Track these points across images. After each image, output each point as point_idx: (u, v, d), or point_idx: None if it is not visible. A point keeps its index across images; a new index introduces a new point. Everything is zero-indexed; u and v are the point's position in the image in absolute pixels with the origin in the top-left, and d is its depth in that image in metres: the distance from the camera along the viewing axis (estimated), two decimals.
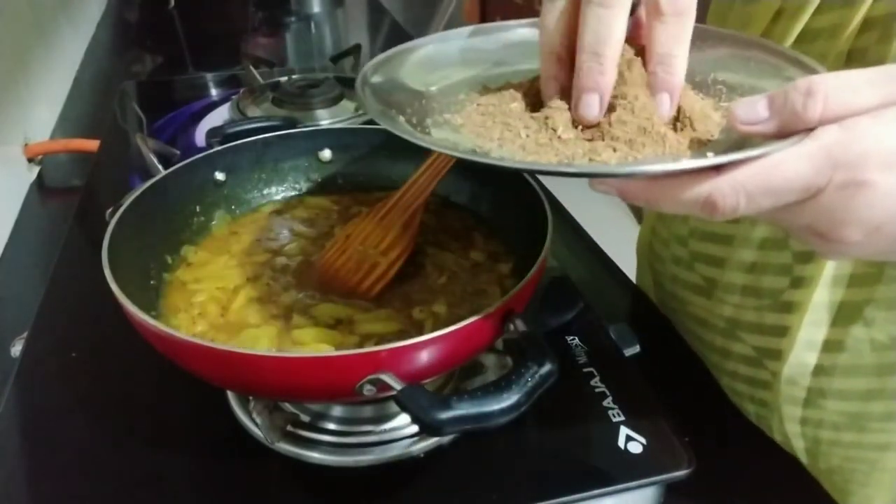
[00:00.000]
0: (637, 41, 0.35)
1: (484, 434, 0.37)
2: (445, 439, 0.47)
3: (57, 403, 0.53)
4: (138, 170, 0.81)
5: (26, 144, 0.97)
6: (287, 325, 0.48)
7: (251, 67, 1.10)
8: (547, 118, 0.34)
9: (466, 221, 0.59)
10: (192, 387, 0.44)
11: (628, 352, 0.56)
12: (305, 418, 0.49)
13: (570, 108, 0.34)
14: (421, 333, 0.38)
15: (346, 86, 1.04)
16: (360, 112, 0.98)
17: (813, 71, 0.36)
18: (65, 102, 1.21)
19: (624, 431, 0.47)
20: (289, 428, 0.47)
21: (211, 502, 0.46)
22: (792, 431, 0.53)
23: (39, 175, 0.98)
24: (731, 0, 0.53)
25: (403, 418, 0.48)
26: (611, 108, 0.34)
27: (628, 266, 0.70)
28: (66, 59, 1.32)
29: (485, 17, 3.22)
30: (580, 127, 0.34)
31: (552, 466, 0.47)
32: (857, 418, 0.51)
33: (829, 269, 0.47)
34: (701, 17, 0.35)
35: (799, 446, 0.54)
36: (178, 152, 0.84)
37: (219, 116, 1.01)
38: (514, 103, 0.36)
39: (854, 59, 0.43)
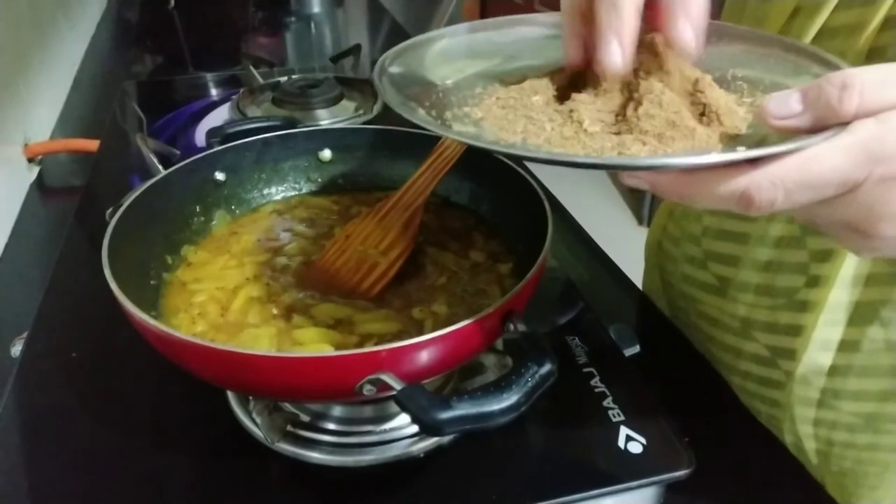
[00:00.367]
0: (655, 27, 0.35)
1: (484, 434, 0.37)
2: (445, 439, 0.47)
3: (57, 403, 0.53)
4: (138, 170, 0.81)
5: (26, 144, 0.97)
6: (287, 325, 0.48)
7: (251, 67, 1.10)
8: (572, 111, 0.34)
9: (466, 221, 0.59)
10: (192, 387, 0.44)
11: (628, 352, 0.56)
12: (305, 418, 0.49)
13: (594, 101, 0.34)
14: (421, 333, 0.38)
15: (346, 86, 1.04)
16: (361, 112, 0.98)
17: (835, 67, 0.35)
18: (65, 102, 1.21)
19: (624, 431, 0.47)
20: (289, 428, 0.47)
21: (211, 502, 0.46)
22: (804, 433, 0.53)
23: (39, 175, 0.98)
24: None
25: (403, 418, 0.47)
26: (637, 103, 0.33)
27: (628, 266, 0.70)
28: (66, 59, 1.32)
29: (485, 16, 3.21)
30: (607, 120, 0.34)
31: (552, 466, 0.47)
32: (872, 420, 0.50)
33: (847, 269, 0.47)
34: (716, 13, 0.35)
35: (810, 447, 0.53)
36: (178, 152, 0.84)
37: (219, 116, 1.01)
38: (536, 96, 0.36)
39: (873, 57, 0.43)
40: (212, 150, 0.59)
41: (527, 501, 0.44)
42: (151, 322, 0.39)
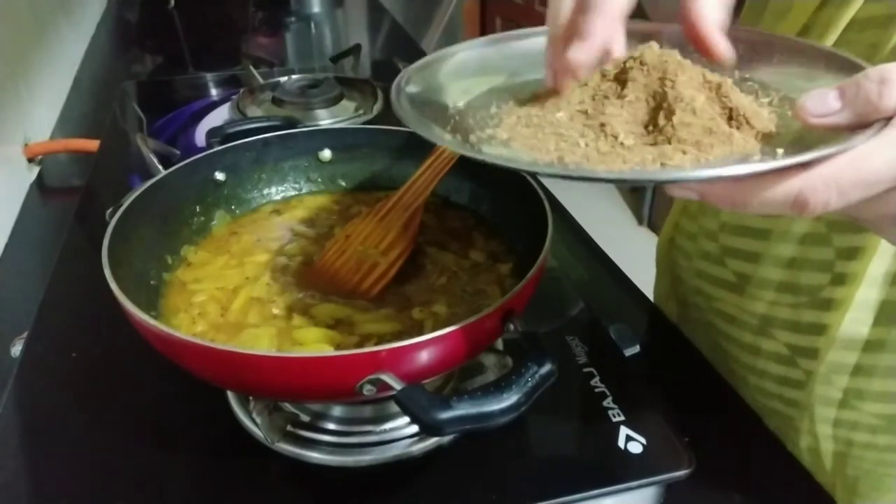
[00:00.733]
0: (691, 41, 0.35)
1: (484, 434, 0.37)
2: (445, 439, 0.47)
3: (57, 403, 0.53)
4: (138, 170, 0.81)
5: (26, 144, 0.97)
6: (287, 325, 0.48)
7: (251, 67, 1.10)
8: (603, 125, 0.33)
9: (466, 221, 0.59)
10: (192, 387, 0.44)
11: (628, 352, 0.56)
12: (305, 418, 0.49)
13: (622, 113, 0.34)
14: (421, 333, 0.38)
15: (346, 86, 1.05)
16: (361, 112, 0.99)
17: (848, 62, 0.35)
18: (65, 102, 1.21)
19: (624, 431, 0.47)
20: (289, 428, 0.47)
21: (211, 502, 0.46)
22: (823, 433, 0.52)
23: (39, 175, 0.98)
24: None
25: (403, 418, 0.47)
26: (669, 111, 0.33)
27: (628, 266, 0.70)
28: (66, 59, 1.32)
29: (485, 17, 3.22)
30: (637, 131, 0.33)
31: (552, 466, 0.47)
32: (895, 421, 0.49)
33: (875, 266, 0.46)
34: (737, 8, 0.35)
35: (827, 449, 0.53)
36: (178, 152, 0.84)
37: (219, 116, 1.01)
38: (559, 113, 0.35)
39: None
40: (212, 150, 0.59)
41: (527, 501, 0.44)
42: (151, 322, 0.39)
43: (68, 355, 0.57)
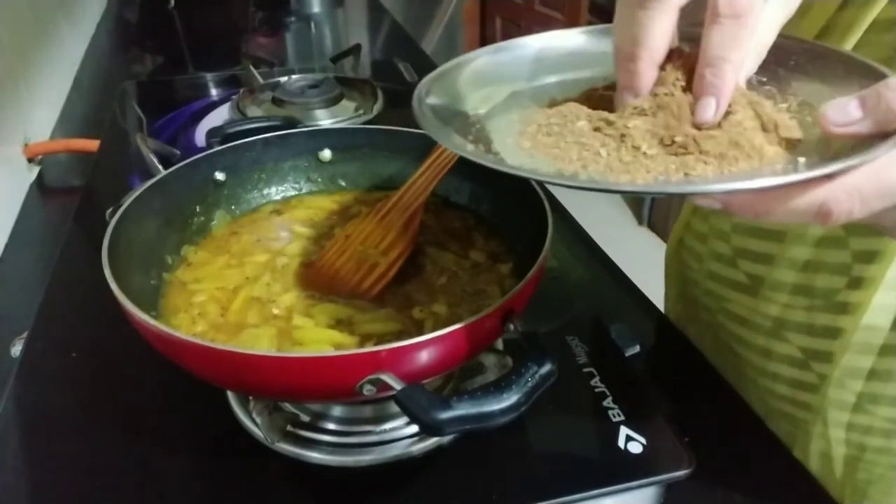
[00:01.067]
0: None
1: (484, 434, 0.37)
2: (445, 439, 0.47)
3: (57, 403, 0.53)
4: (138, 170, 0.81)
5: (26, 144, 0.97)
6: (287, 325, 0.48)
7: (251, 67, 1.10)
8: (624, 136, 0.33)
9: (466, 221, 0.59)
10: (192, 387, 0.44)
11: (628, 352, 0.56)
12: (305, 418, 0.49)
13: (642, 122, 0.34)
14: (421, 333, 0.38)
15: (346, 86, 1.05)
16: (361, 112, 0.99)
17: (867, 67, 0.35)
18: (65, 102, 1.21)
19: (624, 431, 0.47)
20: (289, 428, 0.47)
21: (211, 502, 0.46)
22: (835, 437, 0.52)
23: (39, 175, 0.98)
24: None
25: (403, 418, 0.48)
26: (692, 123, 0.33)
27: (628, 266, 0.70)
28: (66, 59, 1.32)
29: (484, 17, 3.22)
30: (664, 142, 0.33)
31: (552, 466, 0.47)
32: None
33: (893, 270, 0.46)
34: None
35: (839, 453, 0.52)
36: (178, 152, 0.84)
37: (219, 116, 1.01)
38: (580, 122, 0.35)
39: None
40: (212, 150, 0.59)
41: (527, 501, 0.44)
42: (151, 322, 0.39)
43: (68, 355, 0.57)
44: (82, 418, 0.51)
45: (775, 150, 0.32)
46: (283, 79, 1.05)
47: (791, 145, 0.33)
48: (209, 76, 1.21)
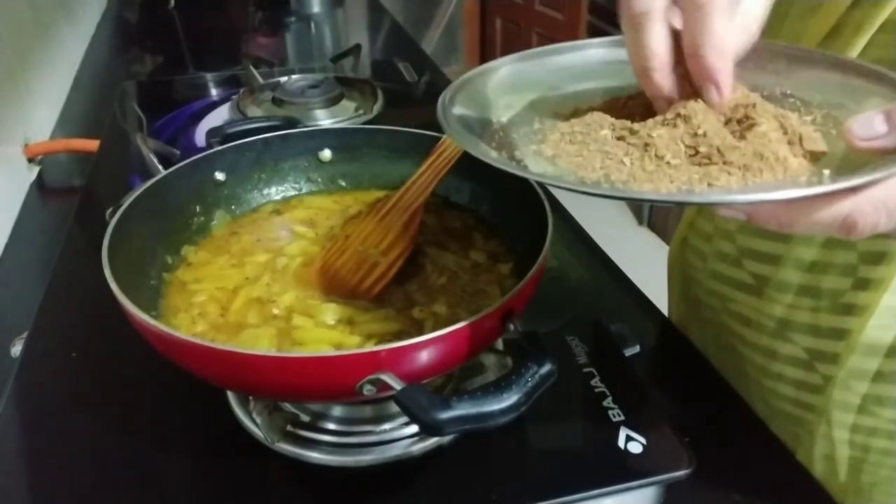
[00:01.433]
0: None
1: (484, 434, 0.37)
2: (445, 439, 0.47)
3: (57, 403, 0.53)
4: (138, 170, 0.81)
5: (26, 144, 0.97)
6: (287, 325, 0.48)
7: (251, 67, 1.10)
8: (647, 145, 0.34)
9: (466, 221, 0.59)
10: (192, 387, 0.44)
11: (628, 352, 0.56)
12: (305, 418, 0.49)
13: (666, 133, 0.34)
14: (421, 333, 0.38)
15: (346, 86, 1.05)
16: (361, 112, 0.99)
17: (884, 78, 0.35)
18: (65, 102, 1.21)
19: (624, 431, 0.47)
20: (289, 428, 0.47)
21: (211, 502, 0.46)
22: (840, 438, 0.52)
23: (39, 175, 0.98)
24: None
25: (403, 418, 0.48)
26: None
27: (628, 266, 0.70)
28: (66, 59, 1.32)
29: (485, 17, 3.22)
30: (680, 151, 0.33)
31: (552, 466, 0.47)
32: None
33: None
34: None
35: (843, 455, 0.52)
36: (178, 152, 0.84)
37: (219, 116, 1.01)
38: (604, 130, 0.36)
39: None
40: (212, 150, 0.59)
41: (527, 501, 0.44)
42: (151, 322, 0.39)
43: (68, 355, 0.57)
44: (82, 418, 0.51)
45: (799, 162, 0.32)
46: (283, 79, 1.05)
47: (815, 158, 0.33)
48: (209, 76, 1.21)
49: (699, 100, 0.34)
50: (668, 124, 0.34)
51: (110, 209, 0.50)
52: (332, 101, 1.00)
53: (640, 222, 2.33)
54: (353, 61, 1.18)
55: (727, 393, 0.56)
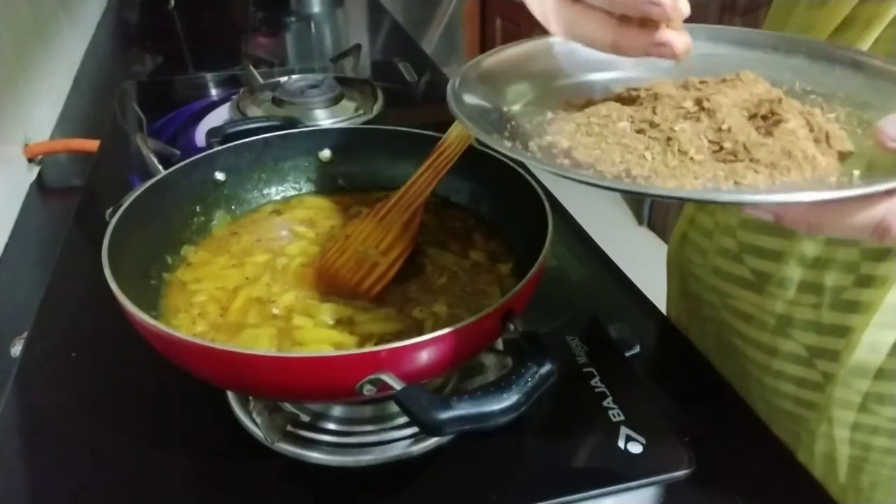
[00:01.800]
0: None
1: (484, 434, 0.37)
2: (445, 439, 0.47)
3: (57, 403, 0.53)
4: (138, 170, 0.81)
5: (26, 144, 0.97)
6: (287, 325, 0.48)
7: (251, 67, 1.10)
8: (670, 139, 0.32)
9: (466, 221, 0.59)
10: (192, 387, 0.44)
11: (628, 352, 0.56)
12: (305, 418, 0.49)
13: (688, 126, 0.33)
14: (421, 333, 0.38)
15: (346, 86, 1.04)
16: (361, 112, 0.99)
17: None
18: (65, 102, 1.21)
19: (624, 431, 0.47)
20: (289, 428, 0.47)
21: (211, 502, 0.46)
22: (840, 437, 0.51)
23: (39, 175, 0.98)
24: None
25: (403, 418, 0.47)
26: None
27: (628, 266, 0.70)
28: (66, 59, 1.32)
29: (485, 16, 3.22)
30: (703, 145, 0.32)
31: (552, 466, 0.47)
32: None
33: None
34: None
35: (844, 453, 0.52)
36: (178, 152, 0.84)
37: (219, 116, 1.01)
38: (622, 122, 0.34)
39: None
40: (212, 150, 0.59)
41: (527, 501, 0.44)
42: (151, 322, 0.39)
43: (68, 355, 0.57)
44: (82, 418, 0.51)
45: (828, 161, 0.31)
46: (283, 79, 1.05)
47: (843, 157, 0.32)
48: (209, 76, 1.21)
49: (724, 92, 0.33)
50: (690, 118, 0.33)
51: (110, 209, 0.50)
52: (332, 101, 1.00)
53: (640, 222, 2.33)
54: (353, 61, 1.18)
55: (727, 393, 0.56)
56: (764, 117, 0.33)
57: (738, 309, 0.58)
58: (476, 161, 0.53)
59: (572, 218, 0.78)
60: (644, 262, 0.80)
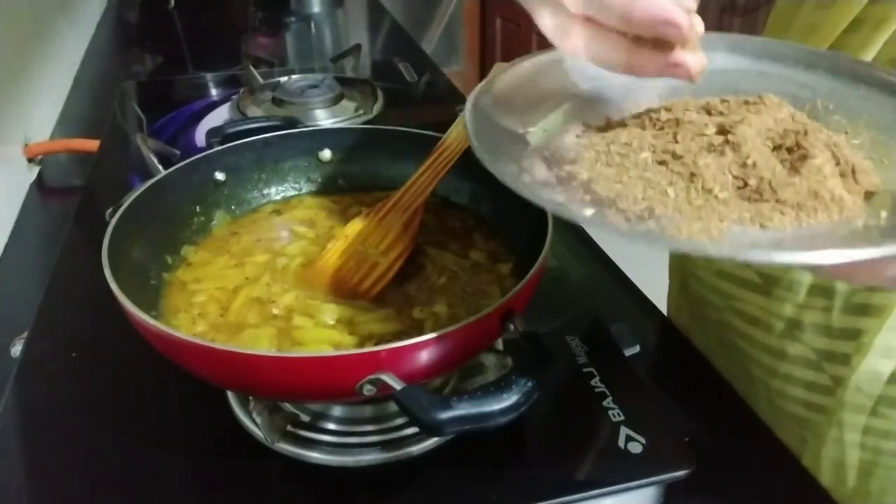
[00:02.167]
0: None
1: (484, 434, 0.37)
2: (445, 439, 0.47)
3: (57, 403, 0.53)
4: (138, 170, 0.81)
5: (26, 144, 0.97)
6: (287, 325, 0.48)
7: (251, 67, 1.10)
8: (693, 175, 0.31)
9: (466, 221, 0.59)
10: (192, 387, 0.44)
11: (628, 352, 0.56)
12: (305, 418, 0.49)
13: (712, 161, 0.31)
14: (421, 333, 0.38)
15: (346, 86, 1.04)
16: (361, 112, 0.99)
17: None
18: (65, 102, 1.21)
19: (624, 431, 0.47)
20: (289, 428, 0.47)
21: (211, 502, 0.46)
22: (850, 440, 0.51)
23: (39, 175, 0.98)
24: None
25: (403, 418, 0.47)
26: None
27: (628, 266, 0.70)
28: (66, 59, 1.32)
29: (484, 17, 3.21)
30: (735, 184, 0.31)
31: (552, 466, 0.47)
32: None
33: None
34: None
35: (854, 457, 0.51)
36: (178, 152, 0.84)
37: (219, 116, 1.01)
38: (644, 153, 0.33)
39: None
40: (212, 150, 0.59)
41: (527, 501, 0.44)
42: (151, 322, 0.39)
43: (68, 355, 0.57)
44: (82, 418, 0.51)
45: (854, 200, 0.31)
46: (283, 79, 1.05)
47: (868, 194, 0.31)
48: (209, 76, 1.21)
49: (747, 120, 0.32)
50: (714, 151, 0.32)
51: (110, 209, 0.50)
52: (332, 101, 1.00)
53: None
54: (353, 61, 1.18)
55: (727, 393, 0.56)
56: (789, 149, 0.32)
57: (743, 311, 0.57)
58: (476, 161, 0.52)
59: None
60: (644, 262, 0.80)
